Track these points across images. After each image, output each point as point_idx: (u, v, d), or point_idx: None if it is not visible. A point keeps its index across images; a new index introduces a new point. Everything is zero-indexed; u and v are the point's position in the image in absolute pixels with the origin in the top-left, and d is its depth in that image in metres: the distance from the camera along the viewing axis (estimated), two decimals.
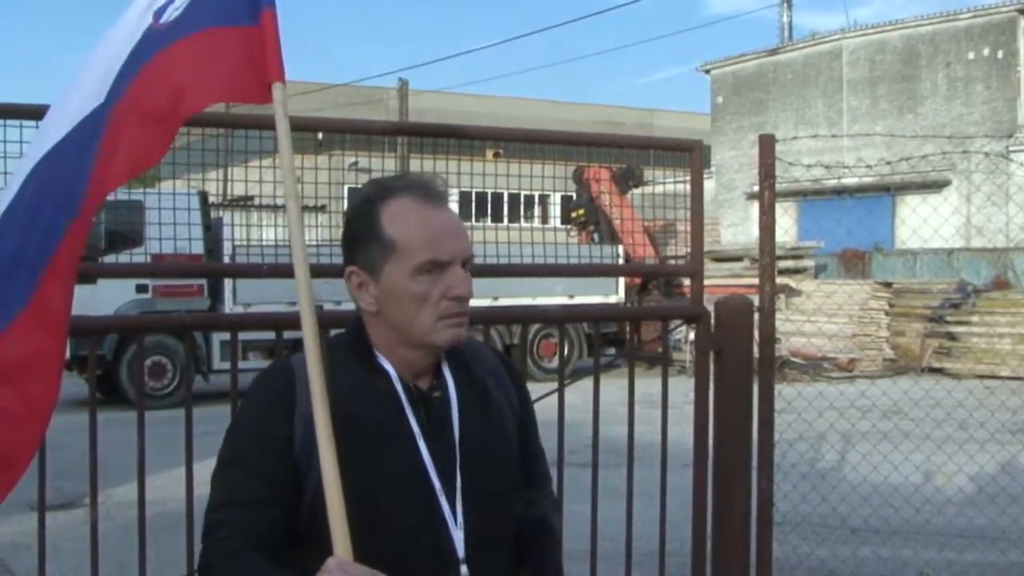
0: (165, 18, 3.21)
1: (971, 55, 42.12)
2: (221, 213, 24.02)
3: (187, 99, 3.08)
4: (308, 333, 2.79)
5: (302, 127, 6.56)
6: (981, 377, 23.92)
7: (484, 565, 2.87)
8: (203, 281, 22.49)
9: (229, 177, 21.00)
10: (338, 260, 3.04)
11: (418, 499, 2.81)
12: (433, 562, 2.77)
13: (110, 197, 3.40)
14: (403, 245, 2.80)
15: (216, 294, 22.66)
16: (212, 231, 22.43)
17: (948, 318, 28.49)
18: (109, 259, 18.97)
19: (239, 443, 2.85)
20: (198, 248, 20.21)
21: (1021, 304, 27.98)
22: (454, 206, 3.07)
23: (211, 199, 23.04)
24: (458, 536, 2.83)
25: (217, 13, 3.20)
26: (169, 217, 6.22)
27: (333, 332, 3.06)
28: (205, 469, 5.85)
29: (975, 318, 28.04)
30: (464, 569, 2.82)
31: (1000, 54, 41.29)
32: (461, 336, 2.89)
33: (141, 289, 21.56)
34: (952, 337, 27.93)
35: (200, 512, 4.74)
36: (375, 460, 2.77)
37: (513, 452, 3.05)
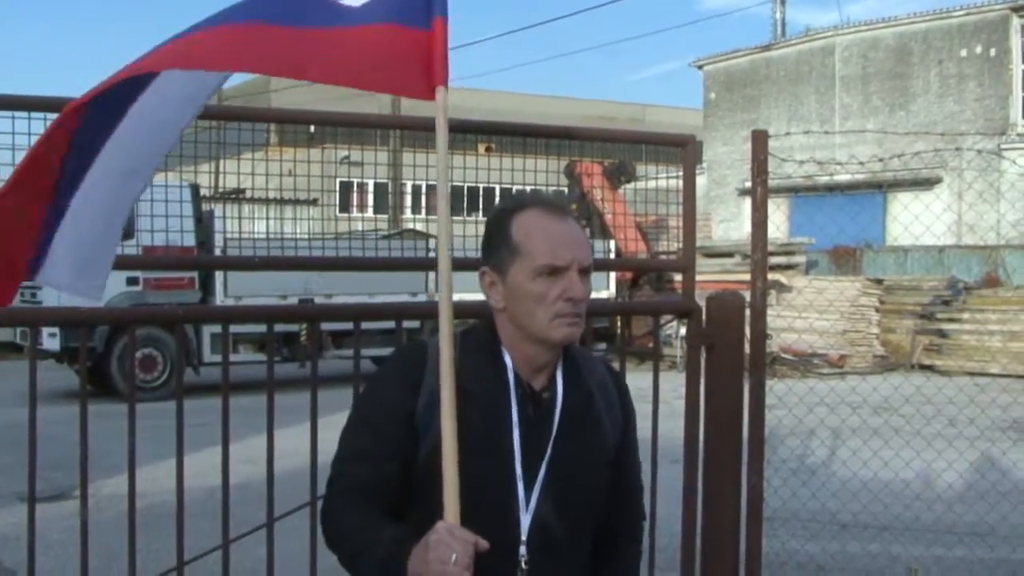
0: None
1: (964, 53, 42.13)
2: (212, 206, 24.00)
3: (342, 73, 3.44)
4: (444, 320, 3.15)
5: (294, 120, 6.56)
6: (971, 374, 24.00)
7: (547, 553, 3.15)
8: (194, 274, 22.46)
9: (221, 169, 20.99)
10: (331, 252, 3.22)
11: (499, 478, 3.13)
12: (499, 535, 2.97)
13: None
14: (527, 250, 3.14)
15: (207, 287, 22.63)
16: (203, 223, 22.39)
17: (939, 315, 28.52)
18: None
19: (370, 405, 3.25)
20: (189, 241, 20.22)
21: (1012, 301, 28.01)
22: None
23: (202, 191, 23.02)
24: (525, 519, 3.13)
25: (399, 10, 3.48)
26: (160, 209, 6.20)
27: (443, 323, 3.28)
28: (196, 461, 5.85)
29: (966, 315, 28.07)
30: (523, 550, 3.11)
31: (993, 52, 41.30)
32: (574, 334, 3.19)
33: (132, 281, 21.54)
34: (942, 334, 27.96)
35: (189, 504, 4.75)
36: (475, 435, 3.07)
37: (603, 461, 3.33)
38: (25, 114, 4.84)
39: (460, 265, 3.60)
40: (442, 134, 3.35)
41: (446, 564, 2.76)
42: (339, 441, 3.25)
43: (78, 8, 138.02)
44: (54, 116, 3.52)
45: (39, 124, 4.74)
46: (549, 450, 3.17)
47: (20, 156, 4.03)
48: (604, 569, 3.43)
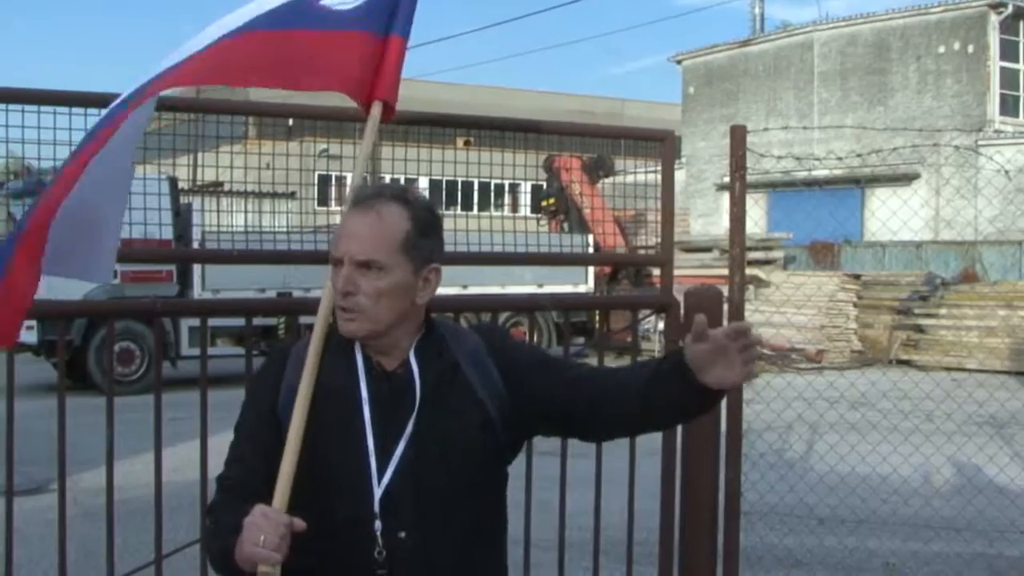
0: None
1: (942, 49, 42.26)
2: (190, 199, 23.93)
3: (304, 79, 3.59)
4: (321, 313, 3.34)
5: (272, 113, 6.55)
6: (948, 369, 24.07)
7: (413, 524, 3.17)
8: (172, 267, 22.38)
9: (199, 162, 20.92)
10: (309, 246, 3.30)
11: (352, 456, 3.19)
12: (354, 510, 3.15)
13: None
14: (331, 242, 3.27)
15: (185, 280, 22.56)
16: (181, 217, 22.30)
17: (916, 310, 28.58)
18: None
19: (244, 409, 3.37)
20: (167, 234, 20.14)
21: (989, 297, 28.08)
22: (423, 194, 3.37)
23: (180, 184, 22.93)
24: (377, 493, 3.16)
25: (358, 20, 3.68)
26: (138, 202, 6.17)
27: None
28: (174, 455, 5.84)
29: (943, 311, 28.14)
30: (378, 524, 3.14)
31: (971, 48, 41.43)
32: (350, 329, 3.22)
33: None
34: (920, 329, 28.03)
35: (168, 498, 4.74)
36: (328, 421, 3.21)
37: (478, 430, 3.30)
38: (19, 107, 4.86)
39: (440, 259, 3.60)
40: (366, 148, 3.59)
41: (256, 545, 2.88)
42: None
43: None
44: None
45: (48, 118, 4.79)
46: (410, 426, 3.20)
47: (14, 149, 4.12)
48: (645, 388, 3.18)
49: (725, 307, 6.05)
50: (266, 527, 2.90)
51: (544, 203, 31.15)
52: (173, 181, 21.53)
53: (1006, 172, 27.89)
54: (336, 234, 3.23)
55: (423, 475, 3.18)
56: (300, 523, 2.95)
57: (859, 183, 40.98)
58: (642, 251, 27.31)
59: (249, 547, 2.90)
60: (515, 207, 39.78)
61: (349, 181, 4.00)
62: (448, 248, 3.42)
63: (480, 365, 3.36)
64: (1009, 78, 42.10)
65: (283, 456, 3.10)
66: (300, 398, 3.16)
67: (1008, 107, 42.01)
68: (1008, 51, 42.04)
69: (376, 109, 3.60)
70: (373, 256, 3.16)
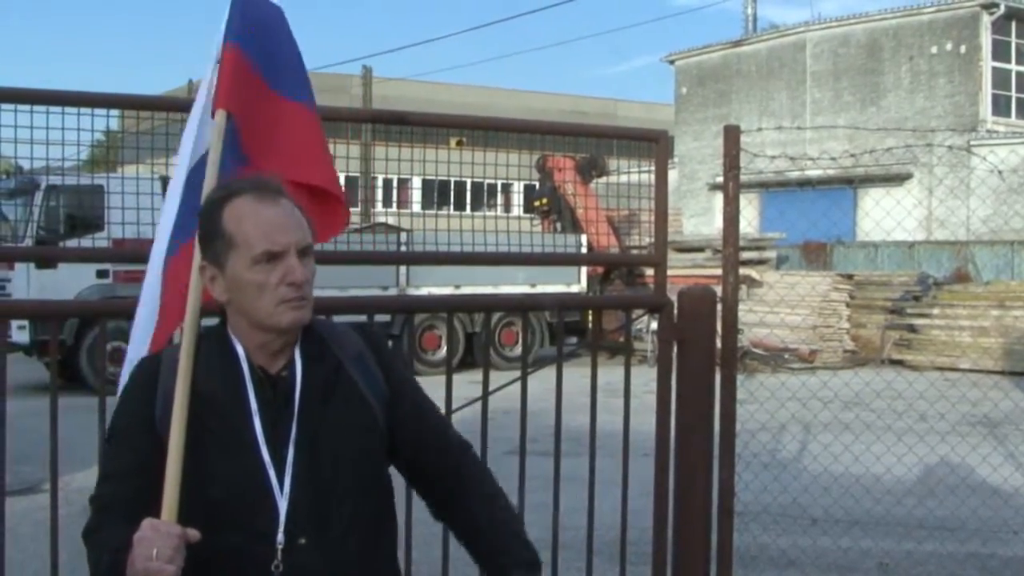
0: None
1: (934, 49, 42.32)
2: None
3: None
4: (189, 318, 3.29)
5: None
6: (941, 369, 24.07)
7: (314, 533, 3.11)
8: None
9: None
10: None
11: (245, 468, 3.08)
12: (252, 526, 3.04)
13: (72, 181, 3.57)
14: (241, 239, 3.11)
15: None
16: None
17: (909, 310, 28.61)
18: (70, 244, 18.87)
19: (114, 423, 3.21)
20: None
21: (982, 297, 28.11)
22: (415, 194, 3.36)
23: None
24: (282, 505, 3.08)
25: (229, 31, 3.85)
26: (131, 202, 6.15)
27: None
28: None
29: (936, 310, 28.16)
30: (281, 537, 3.05)
31: (963, 49, 41.50)
32: (302, 318, 3.16)
33: (102, 274, 21.41)
34: (913, 329, 28.04)
35: None
36: (214, 432, 3.09)
37: (366, 430, 3.27)
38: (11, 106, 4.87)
39: (432, 260, 3.58)
40: (214, 155, 3.60)
41: (149, 560, 2.77)
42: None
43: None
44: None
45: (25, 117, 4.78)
46: (294, 430, 3.13)
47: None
48: (470, 501, 3.38)
49: (719, 307, 6.05)
50: (157, 540, 2.79)
51: (537, 203, 31.15)
52: (166, 181, 21.51)
53: (999, 172, 27.92)
54: (259, 229, 3.10)
55: (317, 480, 3.12)
56: (194, 533, 2.86)
57: (852, 183, 41.02)
58: (635, 251, 27.36)
59: (142, 562, 2.78)
60: (508, 207, 39.77)
61: (342, 180, 4.02)
62: (441, 248, 3.43)
63: (363, 366, 3.32)
64: (1001, 78, 42.18)
65: (167, 467, 2.99)
66: (177, 407, 3.05)
67: (1000, 107, 42.09)
68: (1000, 51, 42.11)
69: (220, 117, 3.66)
70: (310, 240, 3.20)
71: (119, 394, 3.30)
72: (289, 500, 3.08)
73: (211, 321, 3.33)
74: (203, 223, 3.20)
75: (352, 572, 3.18)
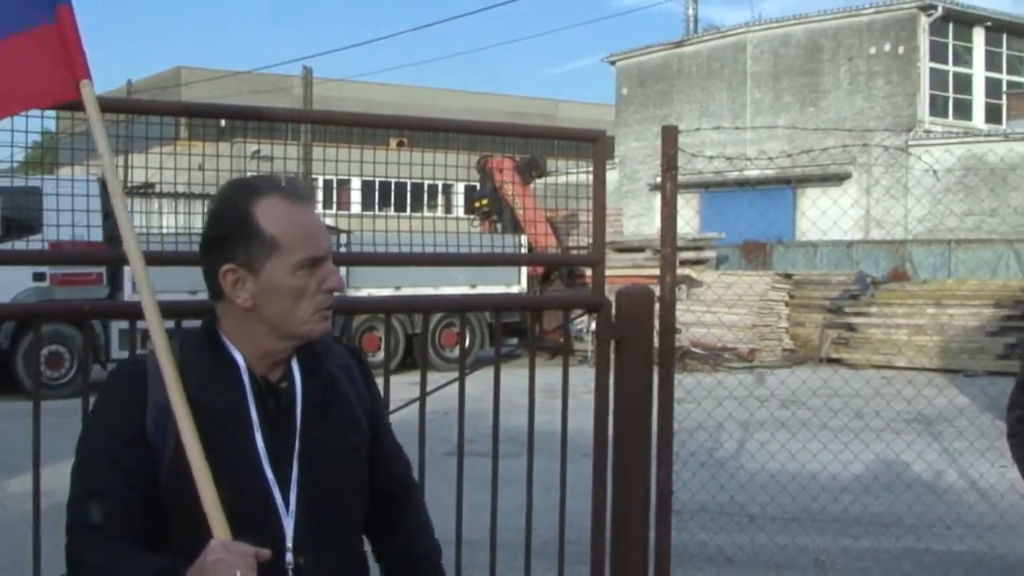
0: None
1: (873, 50, 42.64)
2: None
3: None
4: (154, 327, 3.03)
5: (205, 114, 6.52)
6: (878, 367, 24.29)
7: (318, 552, 3.00)
8: (102, 269, 22.19)
9: (129, 164, 20.80)
10: None
11: (250, 486, 2.92)
12: (264, 547, 2.78)
13: (6, 183, 3.49)
14: (286, 243, 2.93)
15: (115, 282, 22.38)
16: (112, 218, 22.14)
17: (847, 309, 28.81)
18: (5, 246, 18.74)
19: (96, 436, 2.98)
20: (97, 235, 19.95)
21: (918, 295, 28.38)
22: (355, 194, 3.23)
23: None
24: (288, 524, 2.96)
25: (14, 18, 3.28)
26: (68, 204, 6.14)
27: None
28: None
29: (873, 309, 28.39)
30: (290, 557, 2.93)
31: (901, 50, 41.84)
32: (329, 328, 3.07)
33: (38, 277, 21.23)
34: (850, 328, 28.25)
35: None
36: (215, 447, 2.86)
37: (359, 444, 3.20)
38: None
39: (372, 261, 3.59)
40: (98, 128, 3.28)
41: None
42: (71, 483, 2.97)
43: None
44: None
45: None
46: (297, 444, 3.01)
47: None
48: (402, 527, 3.36)
49: (657, 307, 6.08)
50: (235, 561, 2.61)
51: (477, 204, 31.18)
52: (103, 183, 21.35)
53: (935, 172, 28.18)
54: (302, 233, 2.96)
55: (319, 497, 3.01)
56: (265, 552, 2.69)
57: (791, 183, 41.30)
58: (574, 251, 27.40)
59: None
60: (448, 208, 39.80)
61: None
62: (381, 249, 3.40)
63: (351, 378, 3.23)
64: (939, 79, 42.55)
65: (198, 481, 2.77)
66: (181, 416, 2.83)
67: (938, 108, 42.45)
68: (938, 53, 42.48)
69: (87, 90, 3.32)
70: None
71: (96, 403, 3.07)
72: (295, 518, 2.97)
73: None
74: (230, 222, 2.97)
75: None
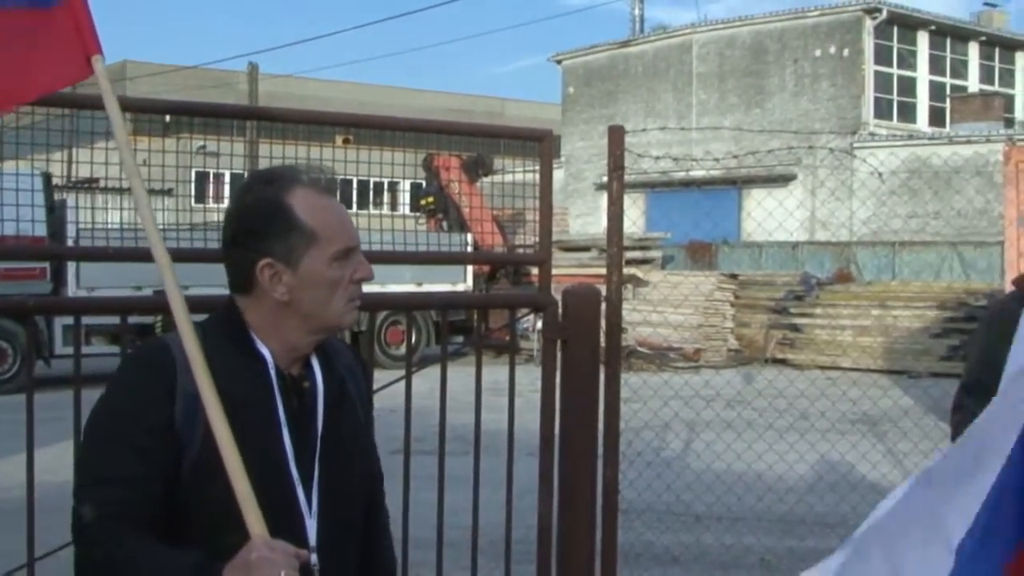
0: None
1: (818, 52, 42.89)
2: (65, 195, 23.59)
3: (11, 94, 3.22)
4: (180, 316, 2.87)
5: (149, 109, 6.49)
6: (823, 368, 24.37)
7: (335, 554, 2.95)
8: (46, 264, 22.06)
9: (74, 158, 20.67)
10: (186, 243, 3.08)
11: (277, 485, 2.85)
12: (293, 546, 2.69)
13: None
14: (324, 234, 2.90)
15: (59, 277, 22.23)
16: (55, 213, 22.01)
17: (792, 310, 28.94)
18: None
19: (118, 420, 2.84)
20: (41, 230, 19.79)
21: (863, 297, 28.53)
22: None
23: (55, 180, 22.61)
24: (311, 524, 2.90)
25: None
26: (11, 198, 6.09)
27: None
28: (47, 455, 5.75)
29: (818, 310, 28.52)
30: (315, 557, 2.86)
31: (846, 52, 42.10)
32: (357, 318, 3.11)
33: None
34: (795, 328, 28.37)
35: (41, 499, 4.63)
36: (244, 442, 2.75)
37: (366, 445, 3.19)
38: None
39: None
40: (112, 104, 3.18)
41: None
42: (80, 465, 2.92)
43: None
44: None
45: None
46: (319, 444, 2.97)
47: None
48: (367, 545, 3.25)
49: (603, 306, 6.08)
50: (280, 560, 2.54)
51: (423, 202, 31.15)
52: (47, 177, 21.22)
53: (879, 174, 28.35)
54: (338, 223, 2.95)
55: (338, 498, 2.98)
56: (304, 554, 2.65)
57: (736, 184, 41.49)
58: (520, 250, 27.42)
59: None
60: (394, 205, 39.74)
61: (227, 178, 3.88)
62: None
63: (355, 378, 3.20)
64: (883, 82, 42.87)
65: (232, 478, 2.67)
66: (212, 408, 2.73)
67: (882, 110, 42.77)
68: (882, 55, 42.80)
69: (99, 65, 3.22)
70: None
71: (115, 386, 2.91)
72: (317, 519, 2.93)
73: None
74: (263, 216, 2.91)
75: None
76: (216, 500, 2.72)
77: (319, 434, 2.97)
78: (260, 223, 2.92)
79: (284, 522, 2.80)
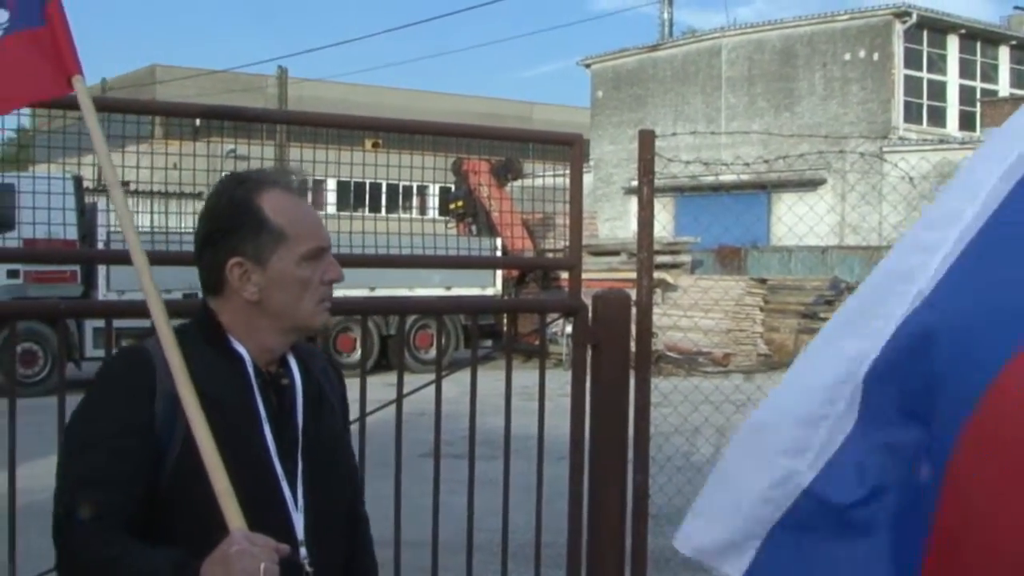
0: None
1: (847, 56, 42.73)
2: (96, 199, 23.67)
3: None
4: (159, 318, 2.96)
5: (179, 113, 6.50)
6: None
7: (321, 548, 3.01)
8: (76, 267, 22.11)
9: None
10: None
11: (261, 481, 2.91)
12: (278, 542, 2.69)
13: None
14: (293, 234, 2.96)
15: (90, 280, 22.28)
16: (86, 217, 22.07)
17: (821, 314, 28.81)
18: None
19: (98, 423, 2.89)
20: (72, 233, 19.88)
21: None
22: (330, 195, 3.26)
23: (86, 184, 22.70)
24: (298, 519, 2.96)
25: (12, 20, 3.41)
26: (42, 202, 6.11)
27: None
28: None
29: None
30: (303, 551, 2.93)
31: (876, 56, 41.94)
32: (330, 320, 3.17)
33: (12, 275, 21.14)
34: None
35: None
36: (223, 440, 2.78)
37: (345, 444, 3.29)
38: None
39: (347, 262, 3.56)
40: (92, 120, 3.32)
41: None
42: (61, 469, 2.94)
43: None
44: None
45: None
46: (300, 439, 3.02)
47: None
48: (354, 553, 3.32)
49: (633, 311, 6.07)
50: (260, 554, 2.54)
51: (452, 206, 31.16)
52: (78, 181, 21.30)
53: (911, 179, 28.23)
54: (308, 224, 3.01)
55: (322, 493, 3.04)
56: (285, 548, 2.61)
57: (766, 188, 41.34)
58: (550, 254, 27.39)
59: None
60: (423, 210, 39.75)
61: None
62: (356, 250, 3.40)
63: (332, 384, 3.27)
64: (913, 86, 42.69)
65: (211, 475, 2.70)
66: (191, 408, 2.78)
67: (912, 114, 42.59)
68: (912, 59, 42.62)
69: (79, 84, 3.41)
70: None
71: (95, 389, 2.96)
72: (304, 514, 2.97)
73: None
74: (234, 216, 2.97)
75: None
76: (201, 499, 2.74)
77: (300, 429, 3.04)
78: (230, 222, 2.98)
79: (271, 517, 2.85)
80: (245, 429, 2.93)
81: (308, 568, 2.92)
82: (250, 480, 2.82)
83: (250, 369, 2.99)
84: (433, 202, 35.46)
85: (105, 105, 5.59)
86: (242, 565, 2.52)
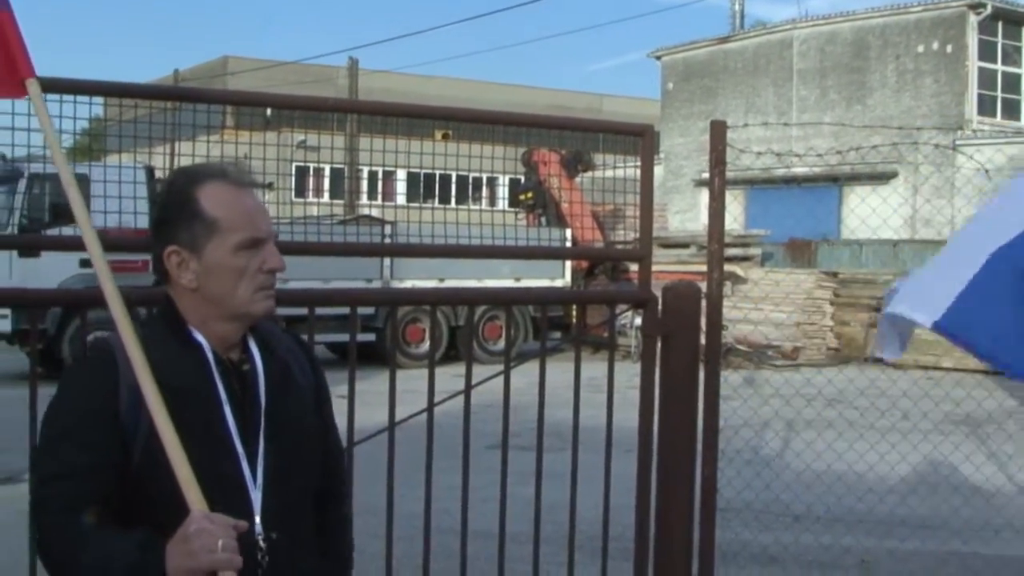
0: None
1: (920, 48, 42.35)
2: None
3: None
4: (117, 310, 3.16)
5: (251, 103, 6.52)
6: (925, 368, 24.08)
7: (282, 524, 3.12)
8: (148, 256, 22.25)
9: (176, 152, 20.94)
10: (286, 237, 3.17)
11: (222, 463, 3.05)
12: (235, 518, 2.86)
13: (54, 170, 3.53)
14: (225, 224, 3.08)
15: None
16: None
17: None
18: (53, 232, 18.81)
19: (65, 418, 3.02)
20: (143, 223, 19.99)
21: None
22: (400, 186, 3.29)
23: (157, 174, 22.87)
24: (256, 496, 3.08)
25: None
26: (115, 191, 6.13)
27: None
28: None
29: None
30: (259, 528, 3.06)
31: (949, 48, 41.54)
32: (273, 307, 3.21)
33: (85, 263, 21.18)
34: None
35: None
36: (187, 425, 2.94)
37: (314, 425, 3.35)
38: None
39: (416, 252, 3.56)
40: (45, 121, 3.45)
41: (215, 552, 2.69)
42: (34, 465, 3.17)
43: None
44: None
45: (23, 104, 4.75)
46: (262, 421, 3.14)
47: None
48: (325, 531, 3.44)
49: (703, 303, 6.03)
50: (218, 531, 2.71)
51: (522, 197, 31.14)
52: (150, 170, 21.44)
53: (986, 171, 27.96)
54: (243, 215, 3.10)
55: (283, 473, 3.14)
56: (243, 524, 2.81)
57: (837, 181, 41.05)
58: (620, 246, 27.34)
59: (206, 556, 2.68)
60: (493, 200, 39.77)
61: (327, 172, 3.93)
62: (425, 240, 3.41)
63: (298, 361, 3.37)
64: (987, 78, 42.23)
65: (171, 458, 2.86)
66: (150, 397, 2.92)
67: (986, 107, 42.14)
68: (986, 51, 42.16)
69: (33, 87, 3.52)
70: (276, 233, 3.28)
71: (61, 387, 3.10)
72: (262, 493, 3.08)
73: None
74: (173, 206, 3.13)
75: (311, 561, 3.28)
76: (166, 487, 2.88)
77: (262, 412, 3.15)
78: (168, 213, 3.15)
79: (230, 495, 3.01)
80: (207, 415, 3.06)
81: (262, 544, 3.05)
82: (211, 463, 2.97)
83: (210, 356, 3.12)
84: (503, 193, 35.43)
85: (177, 95, 5.62)
86: (201, 542, 2.69)
